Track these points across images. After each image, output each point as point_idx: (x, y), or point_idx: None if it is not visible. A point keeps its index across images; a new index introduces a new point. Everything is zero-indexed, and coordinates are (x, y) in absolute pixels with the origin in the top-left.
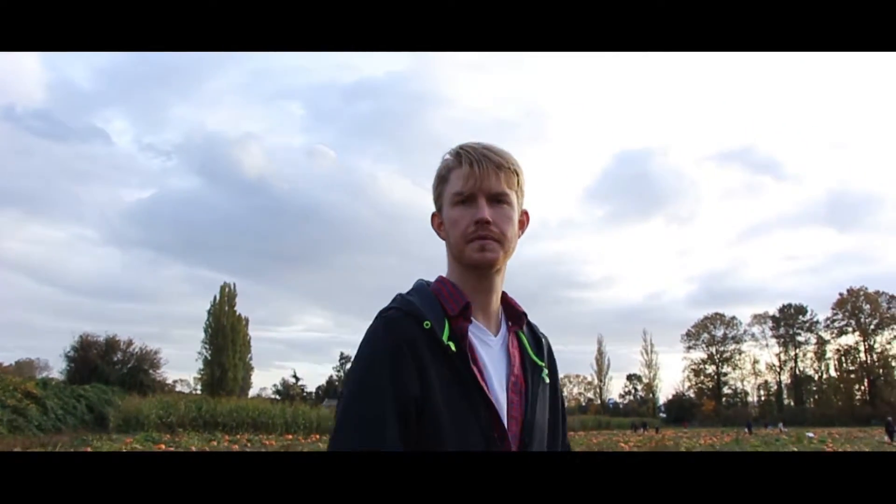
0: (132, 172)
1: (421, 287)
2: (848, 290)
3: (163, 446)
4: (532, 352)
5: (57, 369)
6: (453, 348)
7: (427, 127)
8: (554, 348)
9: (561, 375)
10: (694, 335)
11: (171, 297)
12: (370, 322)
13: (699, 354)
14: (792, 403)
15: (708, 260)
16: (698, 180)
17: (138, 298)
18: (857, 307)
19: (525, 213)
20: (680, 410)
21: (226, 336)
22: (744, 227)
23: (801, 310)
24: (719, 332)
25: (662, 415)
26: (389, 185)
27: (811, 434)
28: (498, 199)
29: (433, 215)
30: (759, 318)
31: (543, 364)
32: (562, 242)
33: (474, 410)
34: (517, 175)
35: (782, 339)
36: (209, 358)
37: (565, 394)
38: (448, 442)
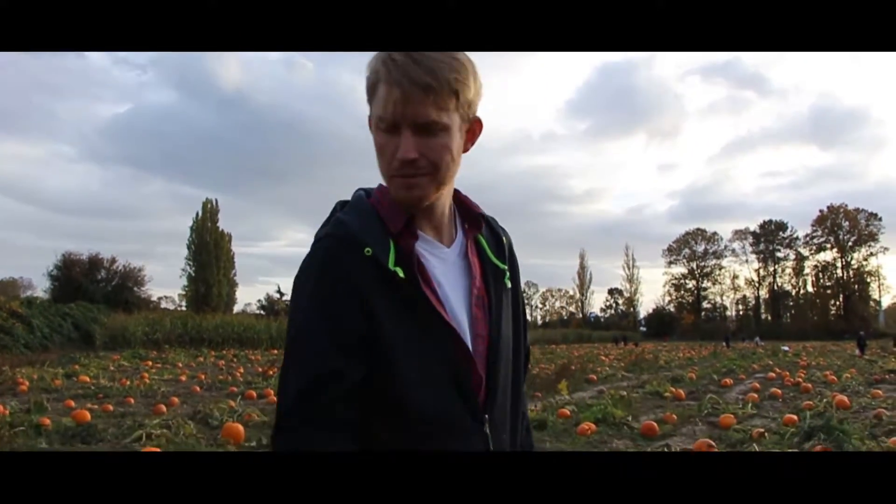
0: (107, 87)
1: (359, 201)
2: (828, 207)
3: (150, 363)
4: (493, 255)
5: (41, 288)
6: (401, 274)
7: None
8: (535, 262)
9: (542, 289)
10: (675, 250)
11: (152, 213)
12: None
13: (680, 269)
14: (769, 318)
15: (690, 175)
16: (682, 94)
17: (120, 215)
18: (836, 224)
19: (477, 123)
20: (660, 324)
21: (209, 252)
22: (726, 142)
23: (782, 226)
24: (700, 248)
25: (643, 328)
26: None
27: (786, 347)
28: (428, 130)
29: (369, 119)
30: (739, 234)
31: (505, 267)
32: (544, 156)
33: (431, 336)
34: (455, 92)
35: (762, 255)
36: (193, 274)
37: (547, 308)
38: (406, 373)
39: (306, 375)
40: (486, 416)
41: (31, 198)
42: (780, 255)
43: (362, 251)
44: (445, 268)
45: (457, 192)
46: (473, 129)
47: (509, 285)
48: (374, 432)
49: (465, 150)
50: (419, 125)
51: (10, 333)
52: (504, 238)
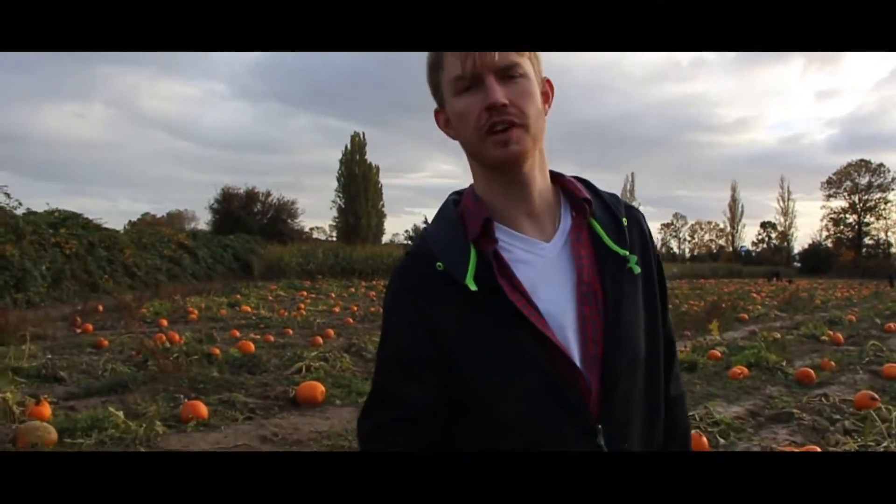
0: None
1: (445, 209)
2: None
3: (304, 293)
4: (611, 240)
5: (203, 220)
6: (472, 287)
7: None
8: (684, 194)
9: (691, 222)
10: (835, 183)
11: (301, 147)
12: None
13: (840, 203)
14: None
15: (853, 102)
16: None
17: (270, 149)
18: None
19: (547, 83)
20: (816, 260)
21: (358, 185)
22: None
23: None
24: (864, 180)
25: (797, 264)
26: None
27: None
28: (509, 74)
29: (436, 112)
30: None
31: (625, 252)
32: (692, 84)
33: (518, 345)
34: None
35: None
36: (343, 206)
37: (695, 241)
38: (490, 389)
39: (374, 395)
40: (600, 426)
41: (190, 134)
42: None
43: (434, 267)
44: (542, 266)
45: (560, 177)
46: (546, 90)
47: (637, 271)
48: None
49: (545, 112)
50: (501, 69)
51: (179, 264)
52: (625, 220)
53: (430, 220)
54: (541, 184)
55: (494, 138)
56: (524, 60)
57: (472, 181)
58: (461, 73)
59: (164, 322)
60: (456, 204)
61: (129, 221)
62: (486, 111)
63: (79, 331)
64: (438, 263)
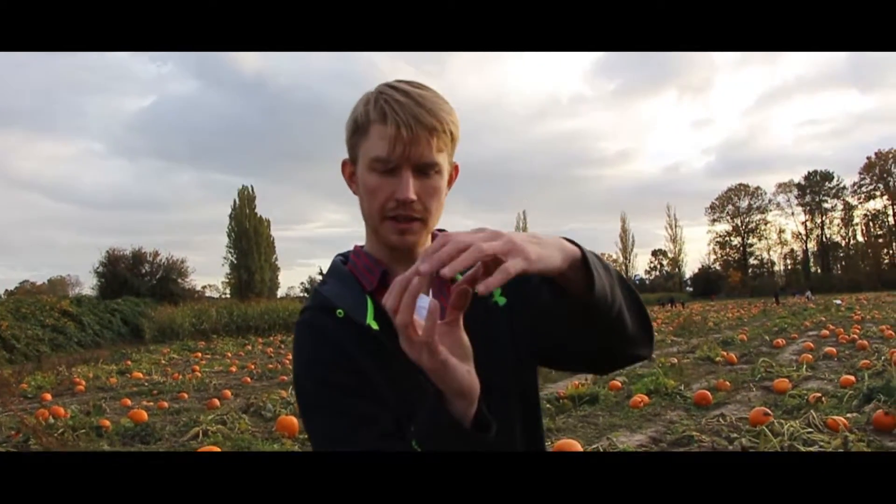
0: (130, 81)
1: (335, 267)
2: (876, 154)
3: (199, 354)
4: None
5: (88, 285)
6: (375, 327)
7: None
8: (575, 227)
9: None
10: (718, 207)
11: (188, 204)
12: None
13: (724, 226)
14: (819, 271)
15: (726, 129)
16: None
17: (156, 208)
18: (885, 170)
19: (455, 167)
20: (706, 283)
21: (249, 239)
22: (762, 92)
23: (828, 176)
24: (744, 203)
25: (689, 289)
26: (393, 72)
27: (839, 301)
28: (426, 171)
29: (344, 163)
30: (783, 187)
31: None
32: (573, 120)
33: (421, 389)
34: (452, 135)
35: (808, 207)
36: (235, 262)
37: None
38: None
39: (337, 431)
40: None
41: (68, 196)
42: (826, 205)
43: (335, 315)
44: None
45: (433, 236)
46: (452, 174)
47: (501, 302)
48: None
49: (446, 193)
50: (419, 166)
51: (63, 333)
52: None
53: (325, 271)
54: (424, 247)
55: (393, 225)
56: (443, 157)
57: (362, 230)
58: (384, 157)
59: (48, 396)
60: (344, 263)
61: (6, 291)
62: (394, 200)
63: None
64: (339, 311)
